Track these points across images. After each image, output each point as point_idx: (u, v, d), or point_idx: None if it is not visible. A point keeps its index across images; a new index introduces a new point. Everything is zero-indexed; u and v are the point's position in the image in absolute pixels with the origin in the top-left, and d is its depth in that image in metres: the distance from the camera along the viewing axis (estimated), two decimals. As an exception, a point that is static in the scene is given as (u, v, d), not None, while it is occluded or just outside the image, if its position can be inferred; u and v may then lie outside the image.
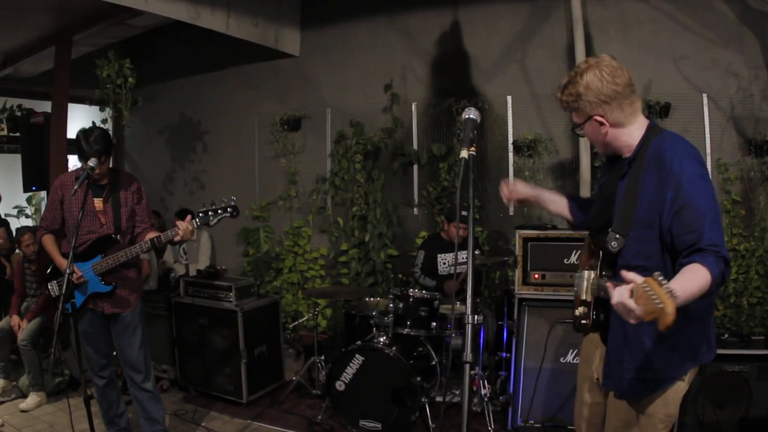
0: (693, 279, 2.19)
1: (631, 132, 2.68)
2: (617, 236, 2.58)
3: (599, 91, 2.61)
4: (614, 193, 2.70)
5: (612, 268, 2.66)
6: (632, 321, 2.12)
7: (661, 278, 2.02)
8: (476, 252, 6.12)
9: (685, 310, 2.11)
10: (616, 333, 2.68)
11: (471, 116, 2.67)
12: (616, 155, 2.79)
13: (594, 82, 2.61)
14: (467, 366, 2.19)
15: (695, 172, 2.42)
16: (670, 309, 1.94)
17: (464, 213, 5.92)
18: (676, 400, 2.61)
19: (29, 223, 9.06)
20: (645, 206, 2.52)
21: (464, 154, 2.49)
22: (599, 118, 2.65)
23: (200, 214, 4.31)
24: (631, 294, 2.09)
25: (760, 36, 5.83)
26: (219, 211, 4.33)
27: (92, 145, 4.11)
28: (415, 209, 7.44)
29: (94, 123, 7.10)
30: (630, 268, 2.20)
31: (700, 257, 2.25)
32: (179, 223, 4.20)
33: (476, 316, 2.09)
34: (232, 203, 4.36)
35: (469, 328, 2.24)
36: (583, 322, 2.80)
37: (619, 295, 2.13)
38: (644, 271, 2.14)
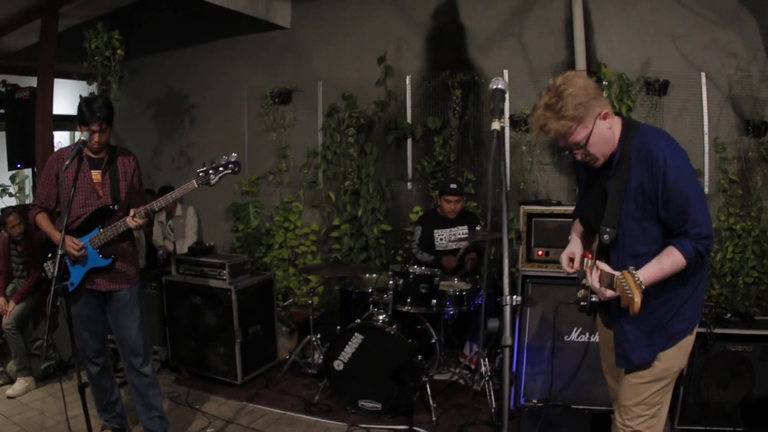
0: (662, 264, 2.70)
1: (615, 125, 2.86)
2: (608, 230, 2.84)
3: (594, 87, 2.79)
4: (605, 190, 2.89)
5: (606, 256, 2.93)
6: (602, 298, 2.81)
7: (634, 272, 2.55)
8: (477, 228, 6.05)
9: (682, 280, 2.79)
10: (619, 314, 2.91)
11: (499, 86, 2.58)
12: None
13: (582, 84, 2.77)
14: (506, 350, 2.13)
15: (677, 161, 2.69)
16: (638, 299, 2.46)
17: (453, 186, 5.92)
18: (689, 351, 2.97)
19: (13, 202, 8.82)
20: (639, 201, 2.76)
21: (496, 125, 2.45)
22: (606, 111, 2.79)
23: (200, 174, 4.13)
24: (602, 281, 2.79)
25: (759, 18, 5.80)
26: (220, 169, 4.13)
27: (95, 111, 3.97)
28: (408, 184, 7.36)
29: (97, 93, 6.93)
30: (635, 255, 2.79)
31: (677, 242, 2.69)
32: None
33: (515, 297, 2.02)
34: (233, 159, 4.16)
35: (507, 310, 2.18)
36: (582, 304, 3.10)
37: (593, 280, 2.84)
38: (648, 257, 2.74)
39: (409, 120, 7.23)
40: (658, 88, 6.04)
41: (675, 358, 2.90)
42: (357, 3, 7.51)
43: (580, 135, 2.78)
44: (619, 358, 2.99)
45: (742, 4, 5.82)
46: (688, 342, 2.92)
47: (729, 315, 4.79)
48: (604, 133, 2.80)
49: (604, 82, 6.14)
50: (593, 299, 2.97)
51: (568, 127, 2.75)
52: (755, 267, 5.90)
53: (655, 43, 6.13)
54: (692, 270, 2.76)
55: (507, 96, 6.49)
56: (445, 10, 7.03)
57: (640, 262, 2.75)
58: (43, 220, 4.28)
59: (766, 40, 5.80)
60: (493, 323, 2.18)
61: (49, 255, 4.36)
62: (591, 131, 2.77)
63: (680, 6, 6.02)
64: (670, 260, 2.69)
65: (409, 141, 7.28)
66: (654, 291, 2.75)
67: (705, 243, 2.67)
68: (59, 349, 5.97)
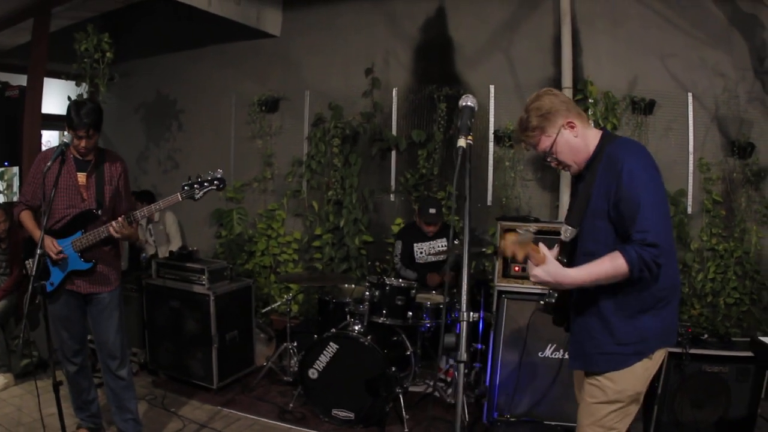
0: (600, 264, 2.72)
1: (591, 136, 2.98)
2: (569, 228, 2.98)
3: (560, 101, 2.96)
4: (577, 193, 3.04)
5: (568, 254, 3.05)
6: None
7: (522, 233, 2.84)
8: (456, 242, 6.05)
9: (636, 293, 2.79)
10: (576, 312, 3.05)
11: (468, 104, 2.58)
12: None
13: (551, 98, 2.96)
14: (461, 366, 2.12)
15: (636, 166, 2.74)
16: (505, 241, 2.91)
17: (432, 211, 5.92)
18: (645, 376, 2.92)
19: (0, 199, 8.78)
20: (597, 201, 2.84)
21: (462, 143, 2.43)
22: (570, 121, 2.92)
23: (185, 187, 4.18)
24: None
25: (749, 38, 5.81)
26: (205, 184, 4.19)
27: (83, 118, 3.98)
28: (391, 196, 7.35)
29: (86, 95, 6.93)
30: (586, 254, 2.87)
31: (621, 247, 2.69)
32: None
33: (472, 313, 2.05)
34: (219, 175, 4.23)
35: (464, 326, 2.18)
36: (541, 302, 3.27)
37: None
38: (595, 256, 2.77)
39: (394, 132, 7.23)
40: (644, 107, 6.05)
41: (627, 380, 2.88)
42: (347, 14, 7.51)
43: (544, 144, 2.97)
44: (571, 358, 3.15)
45: (732, 24, 5.83)
46: (643, 366, 2.88)
47: (706, 336, 4.80)
48: (570, 142, 2.95)
49: (590, 100, 6.15)
50: (549, 300, 3.15)
51: (532, 137, 2.98)
52: (737, 288, 5.88)
53: (643, 62, 6.14)
54: (643, 281, 2.74)
55: (492, 111, 6.61)
56: (434, 23, 7.05)
57: (591, 260, 2.82)
58: (26, 217, 4.30)
59: (755, 61, 5.81)
60: (449, 338, 2.18)
61: (24, 258, 4.36)
62: (555, 140, 2.94)
63: (670, 25, 6.03)
64: (612, 263, 2.68)
65: (394, 153, 7.28)
66: (602, 290, 2.84)
67: (650, 251, 2.61)
68: (39, 347, 5.95)
